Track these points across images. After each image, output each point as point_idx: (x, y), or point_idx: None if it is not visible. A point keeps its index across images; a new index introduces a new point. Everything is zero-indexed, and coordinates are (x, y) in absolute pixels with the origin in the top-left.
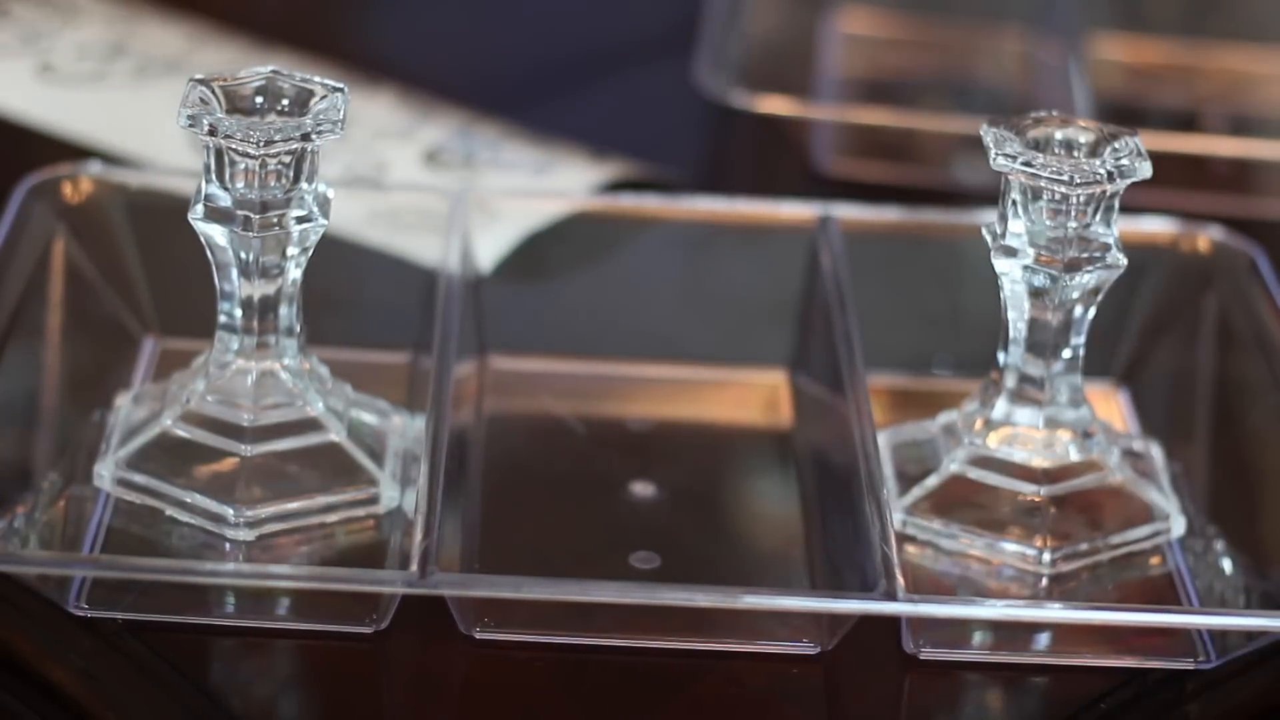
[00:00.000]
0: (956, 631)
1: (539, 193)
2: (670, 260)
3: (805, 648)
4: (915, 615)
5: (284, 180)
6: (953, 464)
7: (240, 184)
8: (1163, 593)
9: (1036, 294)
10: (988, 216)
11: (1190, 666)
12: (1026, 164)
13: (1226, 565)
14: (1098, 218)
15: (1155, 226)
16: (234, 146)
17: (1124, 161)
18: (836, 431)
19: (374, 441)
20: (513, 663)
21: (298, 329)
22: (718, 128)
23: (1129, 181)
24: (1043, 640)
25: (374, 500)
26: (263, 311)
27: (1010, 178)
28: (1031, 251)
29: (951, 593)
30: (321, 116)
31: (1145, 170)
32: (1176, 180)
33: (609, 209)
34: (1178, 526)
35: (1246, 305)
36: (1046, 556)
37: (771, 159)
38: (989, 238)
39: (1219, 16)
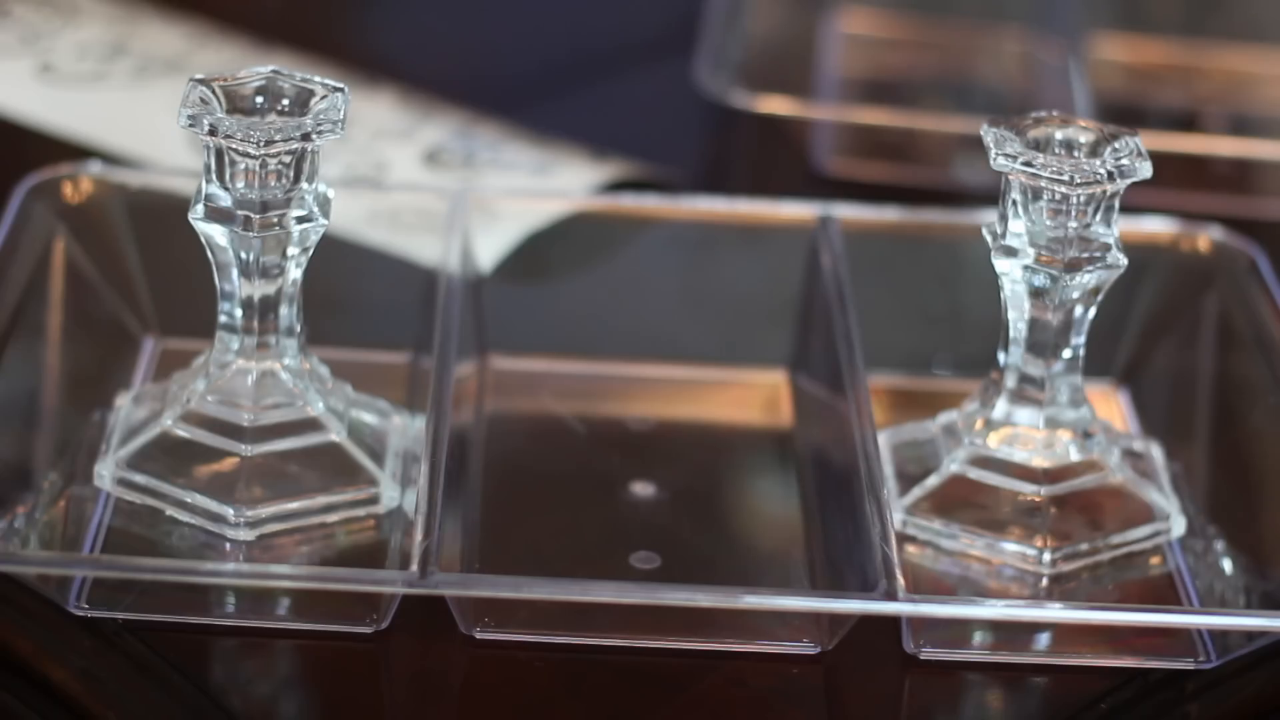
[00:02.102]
0: (956, 631)
1: (539, 193)
2: (670, 260)
3: (805, 648)
4: (915, 615)
5: (284, 180)
6: (953, 464)
7: (240, 184)
8: (1163, 593)
9: (1036, 294)
10: (988, 216)
11: (1190, 666)
12: (1027, 164)
13: (1226, 565)
14: (1098, 218)
15: (1155, 226)
16: (234, 146)
17: (1124, 161)
18: (836, 431)
19: (374, 441)
20: (513, 663)
21: (298, 329)
22: (718, 128)
23: (1129, 181)
24: (1043, 640)
25: (374, 500)
26: (263, 311)
27: (1010, 178)
28: (1032, 251)
29: (951, 593)
30: (321, 116)
31: (1145, 170)
32: (1176, 180)
33: (609, 209)
34: (1178, 526)
35: (1246, 305)
36: (1047, 556)
37: (771, 159)
38: (989, 238)
39: (1219, 16)
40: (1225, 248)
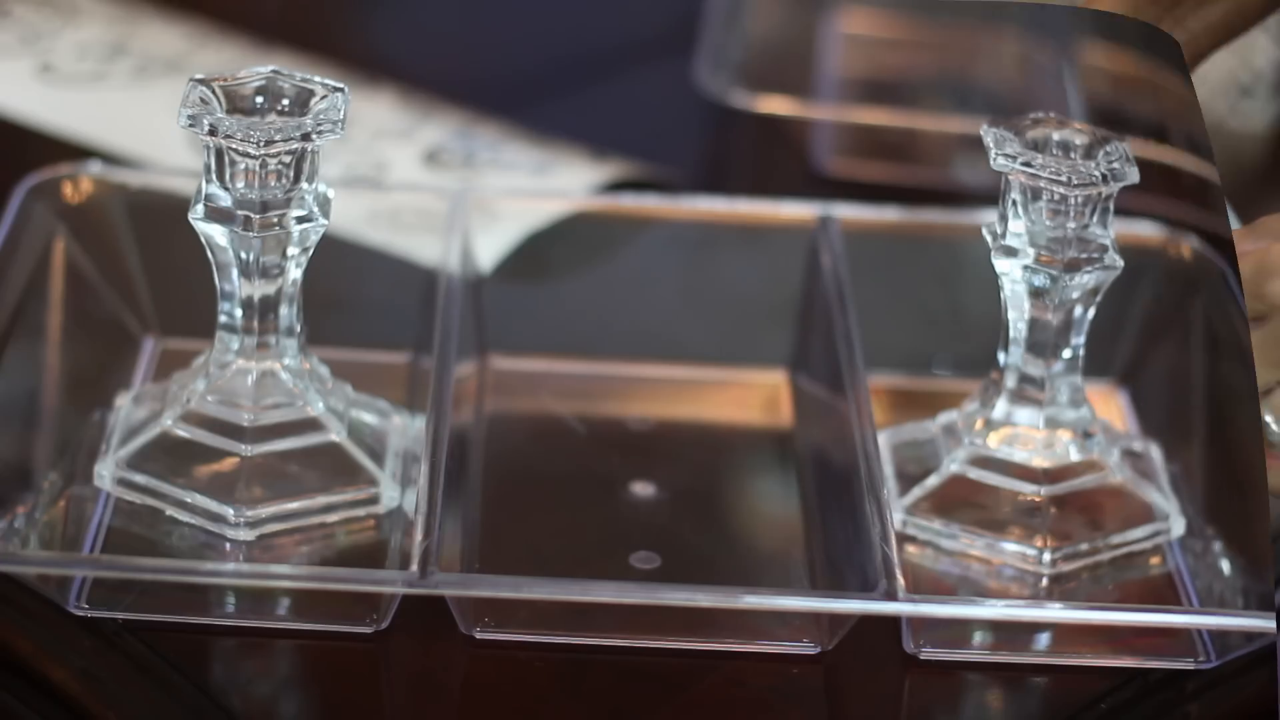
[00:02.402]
0: (956, 631)
1: (539, 193)
2: (670, 260)
3: (805, 648)
4: (915, 615)
5: (284, 180)
6: (953, 464)
7: (240, 184)
8: (1163, 593)
9: (1036, 294)
10: (988, 216)
11: (1190, 666)
12: (1026, 164)
13: (1226, 565)
14: (1094, 219)
15: (1149, 230)
16: (234, 146)
17: (1115, 165)
18: (836, 431)
19: (374, 441)
20: (513, 663)
21: (298, 329)
22: (718, 128)
23: (1121, 185)
24: (1043, 640)
25: (374, 500)
26: (263, 311)
27: (1010, 178)
28: (1032, 251)
29: (951, 593)
30: (321, 116)
31: (1133, 175)
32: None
33: (609, 209)
34: (1178, 526)
35: (1240, 307)
36: (1046, 556)
37: (771, 159)
38: (989, 238)
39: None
40: (1208, 254)
